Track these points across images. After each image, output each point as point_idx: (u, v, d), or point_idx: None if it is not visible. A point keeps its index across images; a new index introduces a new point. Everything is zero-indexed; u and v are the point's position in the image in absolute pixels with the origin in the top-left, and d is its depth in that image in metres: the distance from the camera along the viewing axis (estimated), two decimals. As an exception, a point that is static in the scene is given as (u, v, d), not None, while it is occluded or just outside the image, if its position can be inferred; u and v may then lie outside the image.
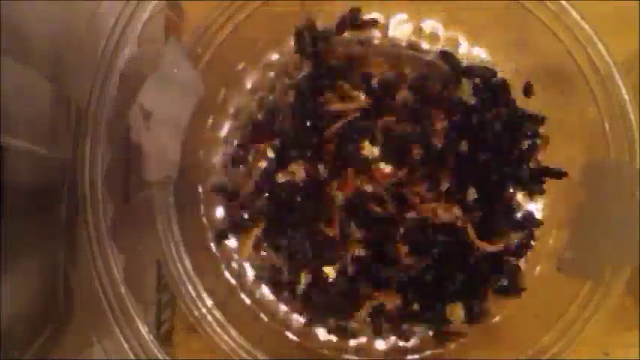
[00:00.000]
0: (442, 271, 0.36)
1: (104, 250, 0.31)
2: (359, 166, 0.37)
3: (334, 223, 0.37)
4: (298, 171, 0.37)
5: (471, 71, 0.38)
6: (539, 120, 0.37)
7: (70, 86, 0.31)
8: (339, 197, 0.37)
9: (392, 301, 0.37)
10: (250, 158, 0.39)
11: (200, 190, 0.38)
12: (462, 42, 0.39)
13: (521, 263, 0.38)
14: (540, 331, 0.33)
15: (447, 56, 0.38)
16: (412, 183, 0.37)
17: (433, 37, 0.39)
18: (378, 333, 0.37)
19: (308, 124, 0.37)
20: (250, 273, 0.38)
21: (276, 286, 0.38)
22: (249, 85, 0.39)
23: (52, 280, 0.31)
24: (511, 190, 0.38)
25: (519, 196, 0.38)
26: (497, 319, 0.37)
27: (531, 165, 0.37)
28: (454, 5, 0.37)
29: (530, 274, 0.37)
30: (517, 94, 0.38)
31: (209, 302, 0.34)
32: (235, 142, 0.39)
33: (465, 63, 0.38)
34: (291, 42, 0.38)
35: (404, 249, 0.36)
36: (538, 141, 0.37)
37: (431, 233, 0.36)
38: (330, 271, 0.37)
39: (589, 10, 0.33)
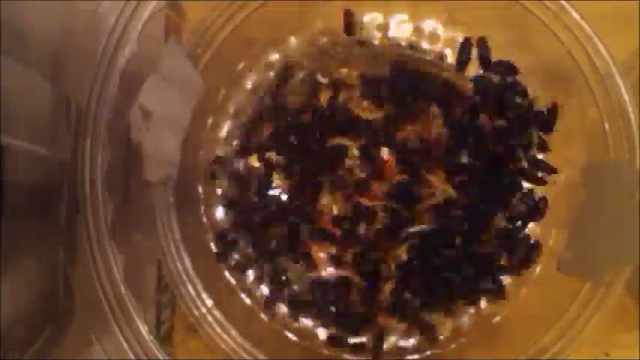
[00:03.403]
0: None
1: (104, 250, 0.31)
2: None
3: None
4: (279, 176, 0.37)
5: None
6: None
7: (70, 86, 0.31)
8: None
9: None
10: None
11: (200, 190, 0.38)
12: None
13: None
14: (540, 331, 0.33)
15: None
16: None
17: (433, 37, 0.39)
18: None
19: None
20: (250, 273, 0.38)
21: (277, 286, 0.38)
22: (249, 85, 0.39)
23: (52, 280, 0.31)
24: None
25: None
26: (497, 319, 0.37)
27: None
28: (454, 5, 0.37)
29: (530, 274, 0.37)
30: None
31: (209, 302, 0.34)
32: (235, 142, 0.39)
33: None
34: (292, 41, 0.38)
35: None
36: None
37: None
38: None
39: (589, 10, 0.33)
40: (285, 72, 0.38)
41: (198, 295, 0.34)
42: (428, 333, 0.37)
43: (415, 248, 0.36)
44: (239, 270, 0.38)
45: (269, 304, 0.37)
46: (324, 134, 0.37)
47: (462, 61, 0.38)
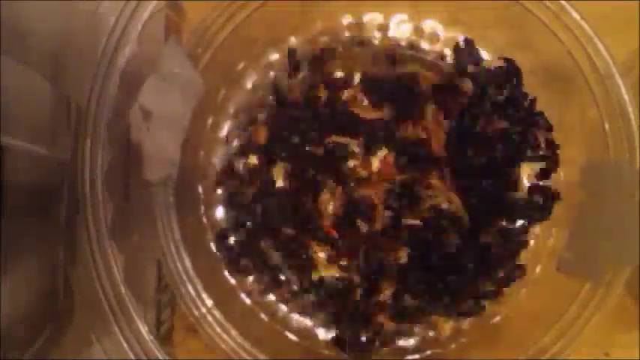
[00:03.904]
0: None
1: (104, 250, 0.31)
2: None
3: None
4: (279, 174, 0.37)
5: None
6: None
7: (70, 86, 0.31)
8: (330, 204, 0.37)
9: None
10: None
11: (200, 190, 0.38)
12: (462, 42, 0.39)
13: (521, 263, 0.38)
14: (540, 331, 0.33)
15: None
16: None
17: (433, 37, 0.39)
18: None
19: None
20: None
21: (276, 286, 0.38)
22: (249, 85, 0.39)
23: (52, 280, 0.31)
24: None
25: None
26: (497, 319, 0.37)
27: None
28: (454, 5, 0.37)
29: (530, 274, 0.37)
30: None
31: (209, 302, 0.34)
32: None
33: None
34: (292, 41, 0.39)
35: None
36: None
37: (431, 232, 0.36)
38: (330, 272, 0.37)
39: (589, 10, 0.33)
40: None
41: (198, 295, 0.34)
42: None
43: (416, 248, 0.36)
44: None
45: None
46: (324, 133, 0.37)
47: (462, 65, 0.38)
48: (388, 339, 0.37)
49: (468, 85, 0.37)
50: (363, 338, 0.37)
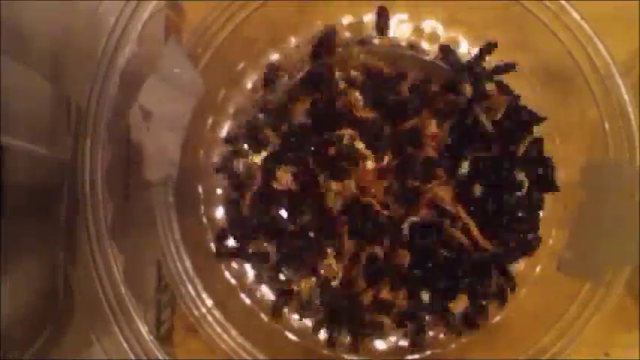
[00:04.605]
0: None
1: (104, 250, 0.31)
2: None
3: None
4: (284, 177, 0.37)
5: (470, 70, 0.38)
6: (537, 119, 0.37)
7: (70, 86, 0.31)
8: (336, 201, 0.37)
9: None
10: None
11: (200, 190, 0.38)
12: (462, 42, 0.39)
13: (521, 263, 0.38)
14: (540, 331, 0.33)
15: (446, 51, 0.38)
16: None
17: (433, 37, 0.39)
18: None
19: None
20: (250, 273, 0.38)
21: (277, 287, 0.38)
22: (249, 85, 0.39)
23: (52, 280, 0.31)
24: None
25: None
26: (497, 319, 0.37)
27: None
28: (454, 5, 0.37)
29: (530, 274, 0.37)
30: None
31: (209, 302, 0.34)
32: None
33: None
34: (292, 42, 0.39)
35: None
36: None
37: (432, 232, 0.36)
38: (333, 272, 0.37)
39: (589, 10, 0.33)
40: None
41: (198, 295, 0.34)
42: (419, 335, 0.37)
43: (417, 248, 0.36)
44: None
45: (277, 310, 0.38)
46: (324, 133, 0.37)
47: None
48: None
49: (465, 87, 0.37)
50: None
